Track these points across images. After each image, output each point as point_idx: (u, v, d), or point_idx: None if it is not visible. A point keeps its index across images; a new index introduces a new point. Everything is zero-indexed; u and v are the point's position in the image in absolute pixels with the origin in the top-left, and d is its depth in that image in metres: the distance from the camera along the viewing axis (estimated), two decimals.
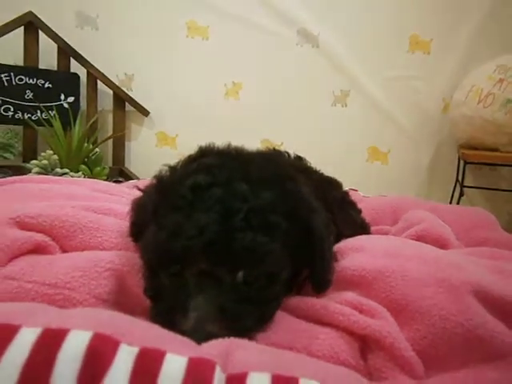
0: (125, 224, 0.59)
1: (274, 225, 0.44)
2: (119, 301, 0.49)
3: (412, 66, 1.87)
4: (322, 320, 0.46)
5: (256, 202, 0.44)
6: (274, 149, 0.77)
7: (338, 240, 0.65)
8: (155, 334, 0.40)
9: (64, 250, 0.53)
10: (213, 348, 0.38)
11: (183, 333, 0.40)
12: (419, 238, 0.74)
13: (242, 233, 0.42)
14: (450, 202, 1.74)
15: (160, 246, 0.44)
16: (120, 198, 0.75)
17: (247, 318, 0.44)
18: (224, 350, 0.38)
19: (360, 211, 0.88)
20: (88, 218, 0.56)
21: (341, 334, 0.44)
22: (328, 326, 0.45)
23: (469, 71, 1.68)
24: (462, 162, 1.66)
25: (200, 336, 0.40)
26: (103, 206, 0.62)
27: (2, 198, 0.61)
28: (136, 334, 0.38)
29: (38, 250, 0.48)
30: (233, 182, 0.45)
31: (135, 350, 0.37)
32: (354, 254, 0.57)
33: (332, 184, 0.82)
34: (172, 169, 0.52)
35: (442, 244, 0.72)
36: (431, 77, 1.86)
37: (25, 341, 0.35)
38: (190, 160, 0.51)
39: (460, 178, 1.64)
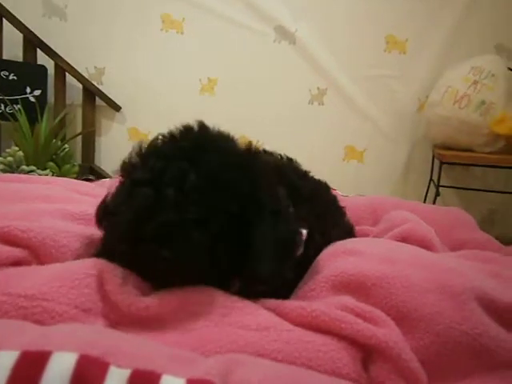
0: None
1: None
2: (103, 311, 0.45)
3: (388, 65, 1.88)
4: (321, 327, 0.43)
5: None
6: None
7: (326, 245, 0.64)
8: (147, 353, 0.37)
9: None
10: (212, 367, 0.35)
11: None
12: (403, 239, 0.73)
13: None
14: (424, 201, 1.76)
15: None
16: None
17: None
18: (224, 368, 0.35)
19: (345, 215, 0.86)
20: (80, 240, 0.53)
21: (343, 346, 0.41)
22: (328, 334, 0.43)
23: (444, 71, 1.70)
24: (436, 162, 1.68)
25: None
26: (84, 213, 0.58)
27: None
28: (126, 354, 0.35)
29: (14, 264, 0.44)
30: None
31: (126, 372, 0.33)
32: (349, 257, 0.55)
33: (323, 188, 0.80)
34: None
35: (425, 245, 0.70)
36: (407, 76, 1.88)
37: (1, 367, 0.31)
38: None
39: (435, 178, 1.66)
